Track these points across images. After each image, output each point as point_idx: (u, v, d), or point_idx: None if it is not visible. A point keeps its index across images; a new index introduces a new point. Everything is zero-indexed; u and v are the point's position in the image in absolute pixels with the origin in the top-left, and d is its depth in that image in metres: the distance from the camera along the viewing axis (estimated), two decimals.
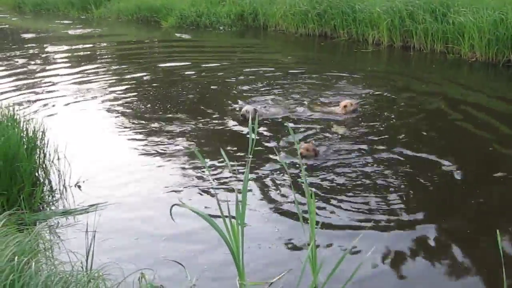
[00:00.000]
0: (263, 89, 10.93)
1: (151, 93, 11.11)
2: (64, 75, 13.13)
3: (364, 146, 7.54)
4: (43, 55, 15.93)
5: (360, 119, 8.73)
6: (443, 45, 13.58)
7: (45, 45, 17.31)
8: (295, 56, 14.93)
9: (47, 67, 14.02)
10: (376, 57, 14.48)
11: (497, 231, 3.55)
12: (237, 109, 9.28)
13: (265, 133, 8.15)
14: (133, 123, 9.02)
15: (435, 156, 7.09)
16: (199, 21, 19.84)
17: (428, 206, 5.90)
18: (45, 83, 12.28)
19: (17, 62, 14.80)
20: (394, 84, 11.20)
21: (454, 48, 13.25)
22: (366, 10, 15.26)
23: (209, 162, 7.04)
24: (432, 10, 13.85)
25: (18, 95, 10.97)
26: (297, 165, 6.70)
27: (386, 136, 7.96)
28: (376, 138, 7.86)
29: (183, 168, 7.03)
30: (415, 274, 4.73)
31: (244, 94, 10.56)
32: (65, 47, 17.37)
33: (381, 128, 8.33)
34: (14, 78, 12.85)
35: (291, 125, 8.41)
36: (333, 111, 9.04)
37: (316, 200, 5.44)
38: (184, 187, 6.44)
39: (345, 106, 8.89)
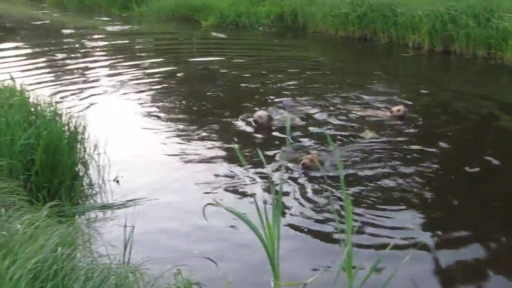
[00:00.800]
0: (295, 88, 10.91)
1: (183, 89, 11.18)
2: (102, 69, 13.27)
3: (386, 154, 7.38)
4: (81, 50, 16.13)
5: (394, 123, 8.62)
6: (485, 50, 13.30)
7: (83, 40, 17.52)
8: (333, 58, 14.85)
9: (85, 62, 14.19)
10: (416, 61, 14.28)
11: None
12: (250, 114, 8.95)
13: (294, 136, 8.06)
14: (170, 118, 9.15)
15: (471, 162, 7.02)
16: (238, 21, 19.86)
17: (463, 216, 5.83)
18: (83, 77, 12.45)
19: (56, 56, 15.04)
20: (434, 88, 11.02)
21: (496, 54, 12.99)
22: (407, 14, 15.07)
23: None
24: (475, 15, 13.60)
25: (57, 88, 11.11)
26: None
27: (421, 141, 7.84)
28: (407, 147, 7.66)
29: (220, 166, 7.09)
30: (452, 281, 4.68)
31: (276, 93, 10.52)
32: (103, 43, 17.56)
33: (417, 134, 8.23)
34: (53, 72, 13.05)
35: (311, 127, 8.43)
36: (378, 114, 8.98)
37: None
38: (220, 184, 6.49)
39: (398, 111, 8.74)
